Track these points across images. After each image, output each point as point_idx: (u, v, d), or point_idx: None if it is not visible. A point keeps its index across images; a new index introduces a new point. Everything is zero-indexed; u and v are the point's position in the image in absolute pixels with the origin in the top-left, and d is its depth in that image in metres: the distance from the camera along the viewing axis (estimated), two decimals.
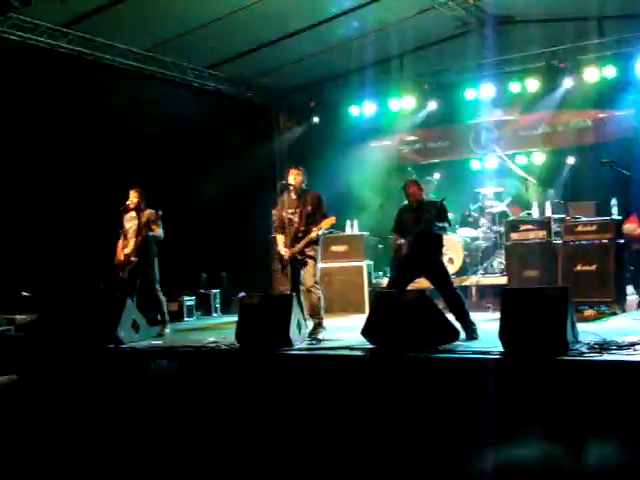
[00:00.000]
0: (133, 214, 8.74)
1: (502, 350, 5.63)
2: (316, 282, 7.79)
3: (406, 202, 7.59)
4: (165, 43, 10.74)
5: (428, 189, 9.94)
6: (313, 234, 7.68)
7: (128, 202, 8.73)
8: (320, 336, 7.55)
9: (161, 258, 8.76)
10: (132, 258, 8.54)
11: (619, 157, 9.98)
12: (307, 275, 7.75)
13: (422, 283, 7.73)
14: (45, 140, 10.12)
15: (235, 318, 7.25)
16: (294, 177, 7.91)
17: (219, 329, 9.16)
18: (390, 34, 10.84)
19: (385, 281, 10.88)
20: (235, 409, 6.07)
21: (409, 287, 7.46)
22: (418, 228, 7.16)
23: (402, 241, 7.29)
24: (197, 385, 6.59)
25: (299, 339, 6.94)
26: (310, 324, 7.66)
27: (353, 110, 13.04)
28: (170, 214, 8.86)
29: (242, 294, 10.01)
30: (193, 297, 11.28)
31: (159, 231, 8.67)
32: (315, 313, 7.76)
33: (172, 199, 9.64)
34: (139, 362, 7.02)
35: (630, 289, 9.27)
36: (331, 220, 7.69)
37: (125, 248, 8.66)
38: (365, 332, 6.61)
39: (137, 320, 7.81)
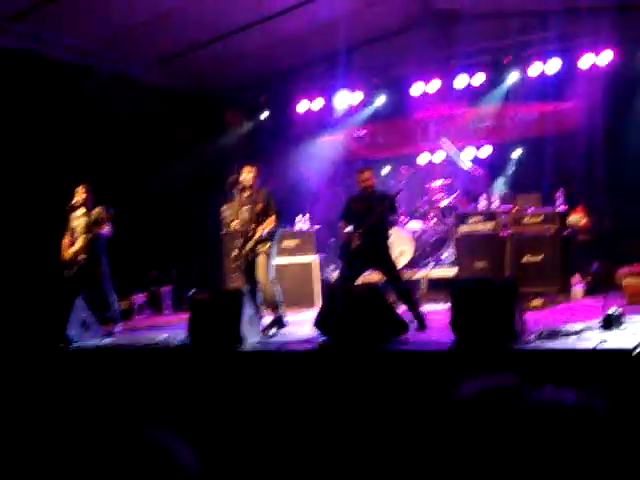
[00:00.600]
0: (81, 211, 8.61)
1: (453, 340, 5.71)
2: (269, 278, 7.79)
3: (356, 193, 7.64)
4: (113, 37, 10.59)
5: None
6: (257, 234, 7.70)
7: (75, 199, 8.60)
8: (272, 331, 7.56)
9: (110, 255, 8.65)
10: (80, 256, 8.42)
11: (564, 149, 10.21)
12: (260, 272, 7.76)
13: (371, 277, 7.81)
14: None
15: (186, 315, 7.22)
16: (247, 174, 7.91)
17: (171, 327, 9.10)
18: (338, 28, 10.87)
19: (336, 275, 10.95)
20: (187, 406, 6.04)
21: (360, 280, 7.53)
22: (372, 218, 7.21)
23: (349, 229, 7.34)
24: (148, 383, 6.54)
25: (252, 335, 6.93)
26: (268, 319, 7.70)
27: (302, 105, 13.04)
28: (119, 210, 8.75)
29: (193, 291, 9.96)
30: (144, 294, 11.17)
31: (108, 229, 8.55)
32: (273, 309, 7.77)
33: (121, 195, 9.51)
34: (89, 361, 6.94)
35: (577, 278, 9.46)
36: (271, 221, 7.71)
37: (72, 246, 8.53)
38: (317, 323, 6.64)
39: (87, 319, 7.72)
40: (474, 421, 1.08)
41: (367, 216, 7.27)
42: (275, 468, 5.00)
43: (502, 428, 1.02)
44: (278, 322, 7.75)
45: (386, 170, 11.83)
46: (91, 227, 8.46)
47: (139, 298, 11.07)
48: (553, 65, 10.97)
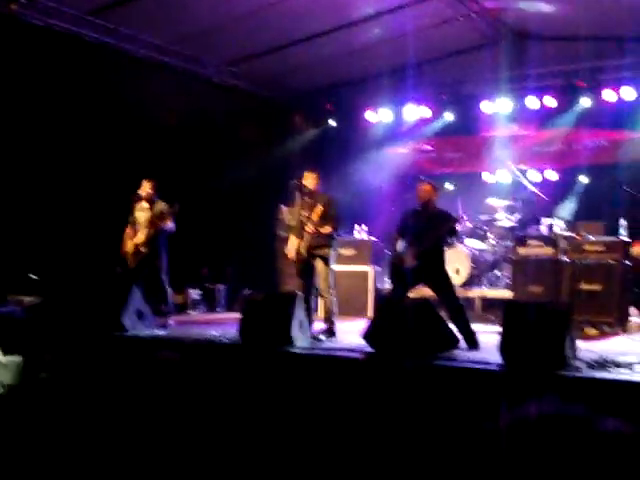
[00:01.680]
0: (145, 204, 8.80)
1: (501, 362, 5.67)
2: (330, 286, 7.83)
3: (415, 206, 7.60)
4: (188, 37, 10.82)
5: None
6: (314, 237, 7.71)
7: (141, 191, 8.80)
8: (322, 338, 7.61)
9: (170, 250, 8.82)
10: (142, 249, 8.61)
11: (632, 179, 10.03)
12: (321, 279, 7.80)
13: (423, 291, 7.78)
14: (64, 126, 10.20)
15: (239, 315, 7.31)
16: (310, 180, 7.96)
17: (223, 324, 9.22)
18: (410, 42, 10.89)
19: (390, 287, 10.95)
20: (234, 404, 6.12)
21: (411, 294, 7.52)
22: (430, 240, 7.16)
23: (402, 244, 7.31)
24: (198, 377, 6.65)
25: (301, 338, 6.99)
26: (319, 326, 7.75)
27: (370, 115, 13.10)
28: (182, 207, 8.91)
29: (247, 291, 10.09)
30: (199, 291, 11.35)
31: (171, 224, 8.72)
32: (327, 317, 7.81)
33: (184, 192, 9.69)
34: (142, 350, 7.08)
35: (633, 311, 9.29)
36: (329, 226, 7.70)
37: (134, 238, 8.72)
38: (366, 336, 6.66)
39: (142, 309, 7.88)
40: (535, 444, 1.09)
41: (425, 234, 7.22)
42: (310, 471, 5.04)
43: (572, 455, 1.02)
44: (329, 330, 7.79)
45: (450, 186, 11.79)
46: (155, 221, 8.64)
47: (194, 294, 11.24)
48: (627, 92, 10.80)
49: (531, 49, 11.19)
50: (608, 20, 9.86)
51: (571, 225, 10.21)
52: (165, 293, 8.77)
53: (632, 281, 9.23)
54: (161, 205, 8.74)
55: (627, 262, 8.96)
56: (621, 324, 8.70)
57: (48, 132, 10.03)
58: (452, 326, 6.80)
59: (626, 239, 9.26)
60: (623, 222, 9.38)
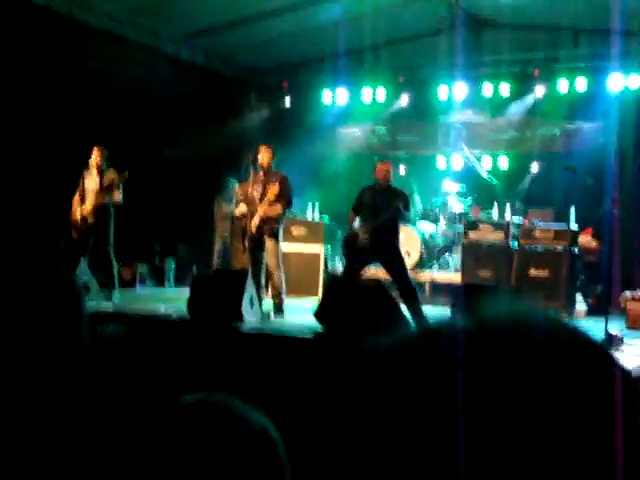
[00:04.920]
0: (94, 172, 8.60)
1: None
2: (279, 264, 7.78)
3: (370, 184, 7.59)
4: (143, 8, 10.59)
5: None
6: (262, 215, 7.63)
7: (90, 160, 8.60)
8: (271, 315, 7.57)
9: (119, 223, 8.65)
10: (89, 220, 8.42)
11: (583, 168, 10.16)
12: (270, 256, 7.74)
13: (377, 273, 7.78)
14: (14, 94, 9.90)
15: (188, 291, 7.22)
16: (263, 155, 7.88)
17: (171, 300, 9.10)
18: (368, 24, 10.81)
19: (341, 267, 10.94)
20: (182, 382, 6.04)
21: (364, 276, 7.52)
22: (386, 213, 7.17)
23: (357, 221, 7.30)
24: (144, 353, 6.54)
25: (251, 315, 6.94)
26: (268, 302, 7.70)
27: (325, 96, 13.02)
28: (132, 179, 8.74)
29: (197, 267, 9.98)
30: (147, 265, 11.18)
31: (119, 196, 8.53)
32: (276, 294, 7.76)
33: (136, 165, 9.50)
34: (88, 324, 6.94)
35: (579, 297, 9.44)
36: (279, 205, 7.65)
37: (82, 205, 8.52)
38: (317, 315, 6.63)
39: (88, 282, 7.72)
40: None
41: (380, 210, 7.22)
42: None
43: None
44: (278, 308, 7.75)
45: (403, 169, 11.81)
46: (103, 190, 8.45)
47: (142, 268, 11.07)
48: (581, 83, 10.93)
49: (488, 36, 11.23)
50: (564, 10, 9.93)
51: (521, 211, 10.32)
52: (111, 266, 8.59)
53: (580, 269, 9.38)
54: (111, 174, 8.54)
55: (575, 250, 9.09)
56: (568, 310, 8.83)
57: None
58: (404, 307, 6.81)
59: (575, 227, 9.39)
60: (572, 210, 9.50)
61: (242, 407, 1.06)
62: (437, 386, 0.65)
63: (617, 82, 10.60)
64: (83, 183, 8.63)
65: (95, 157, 8.60)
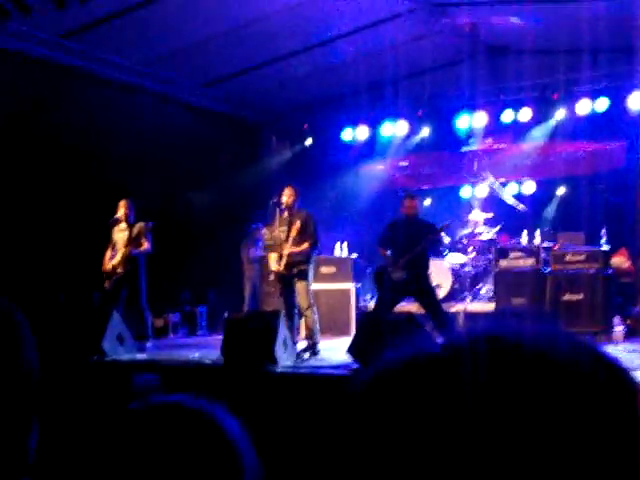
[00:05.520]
0: (123, 225, 8.71)
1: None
2: (310, 304, 7.73)
3: (398, 219, 7.58)
4: (160, 59, 10.76)
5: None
6: (290, 255, 7.62)
7: (118, 214, 8.70)
8: (306, 356, 7.51)
9: (150, 273, 8.70)
10: (119, 269, 8.48)
11: (610, 189, 10.10)
12: (301, 297, 7.70)
13: (410, 307, 7.72)
14: (38, 150, 10.06)
15: (220, 337, 7.20)
16: (287, 196, 7.90)
17: (204, 346, 9.09)
18: (385, 59, 10.89)
19: (372, 304, 10.88)
20: None
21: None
22: (419, 247, 7.14)
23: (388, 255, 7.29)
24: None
25: (285, 357, 6.89)
26: (303, 345, 7.65)
27: (346, 134, 13.08)
28: (159, 229, 8.81)
29: (227, 313, 9.96)
30: (179, 314, 11.20)
31: (147, 245, 8.61)
32: (310, 335, 7.70)
33: (161, 214, 9.59)
34: (122, 375, 6.94)
35: (617, 320, 9.27)
36: (306, 244, 7.65)
37: (112, 259, 8.60)
38: (351, 351, 6.57)
39: (122, 333, 7.74)
40: None
41: (411, 244, 7.19)
42: None
43: None
44: (312, 348, 7.68)
45: (428, 202, 11.81)
46: (131, 241, 8.53)
47: (174, 317, 11.09)
48: (602, 103, 10.88)
49: (506, 63, 11.25)
50: (582, 32, 9.91)
51: (551, 236, 10.21)
52: (145, 316, 8.64)
53: (615, 290, 9.23)
54: (138, 225, 8.64)
55: (608, 271, 8.96)
56: (606, 333, 8.67)
57: (22, 158, 9.89)
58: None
59: (606, 249, 9.27)
60: (603, 231, 9.39)
61: (218, 413, 1.03)
62: (456, 403, 0.62)
63: (637, 100, 10.53)
64: (113, 237, 8.72)
65: (122, 210, 8.69)
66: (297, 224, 7.70)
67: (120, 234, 8.69)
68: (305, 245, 7.67)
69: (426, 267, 7.34)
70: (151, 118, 10.91)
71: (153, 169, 11.18)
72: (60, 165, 10.25)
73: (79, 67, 10.29)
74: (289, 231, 7.72)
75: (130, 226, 8.65)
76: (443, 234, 7.61)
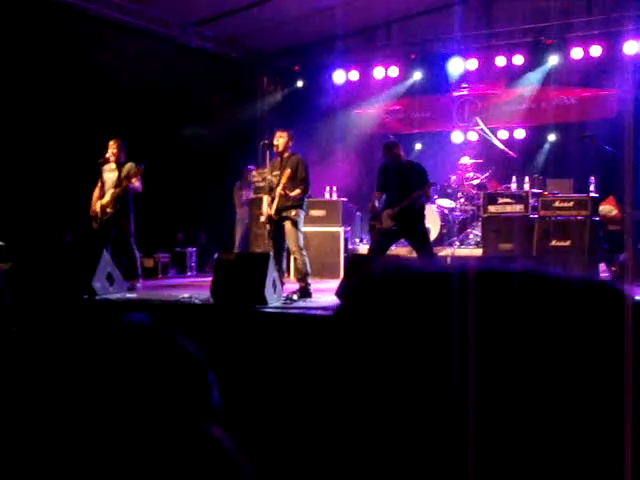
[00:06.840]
0: (113, 166, 8.63)
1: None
2: (300, 247, 7.76)
3: (387, 163, 7.59)
4: None
5: None
6: (282, 198, 7.62)
7: (107, 154, 8.63)
8: (295, 298, 7.57)
9: (138, 213, 8.69)
10: (108, 209, 8.46)
11: (600, 137, 10.08)
12: (290, 240, 7.72)
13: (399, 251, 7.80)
14: (25, 89, 9.96)
15: (210, 278, 7.25)
16: (279, 139, 7.86)
17: (194, 287, 9.14)
18: (377, 2, 10.76)
19: (361, 248, 10.95)
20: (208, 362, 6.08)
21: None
22: (410, 199, 7.19)
23: (377, 203, 7.33)
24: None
25: (274, 298, 6.96)
26: (292, 287, 7.72)
27: (338, 76, 12.97)
28: (149, 170, 8.77)
29: (217, 254, 9.99)
30: (168, 254, 11.23)
31: (138, 184, 8.57)
32: (300, 278, 7.75)
33: (152, 154, 9.54)
34: (112, 314, 7.01)
35: (603, 267, 9.38)
36: (298, 188, 7.64)
37: (101, 199, 8.57)
38: (339, 293, 6.65)
39: (112, 273, 7.77)
40: None
41: (401, 191, 7.23)
42: (280, 428, 5.03)
43: None
44: (303, 291, 7.74)
45: (419, 146, 11.79)
46: (122, 181, 8.49)
47: (164, 258, 11.13)
48: (595, 50, 10.81)
49: (499, 7, 11.14)
50: None
51: (540, 182, 10.25)
52: (134, 256, 8.64)
53: (602, 238, 9.32)
54: (129, 166, 8.58)
55: (596, 218, 9.03)
56: None
57: (9, 95, 9.79)
58: None
59: (595, 196, 9.33)
60: (592, 179, 9.43)
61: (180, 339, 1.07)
62: (448, 318, 0.66)
63: (632, 47, 10.47)
64: (102, 176, 8.66)
65: (112, 150, 8.62)
66: (289, 170, 7.68)
67: (109, 174, 8.63)
68: (297, 191, 7.66)
69: (420, 212, 7.39)
70: (142, 57, 10.79)
71: (144, 109, 11.09)
72: (49, 106, 10.15)
73: (71, 4, 10.11)
74: (281, 176, 7.71)
75: (120, 166, 8.59)
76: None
